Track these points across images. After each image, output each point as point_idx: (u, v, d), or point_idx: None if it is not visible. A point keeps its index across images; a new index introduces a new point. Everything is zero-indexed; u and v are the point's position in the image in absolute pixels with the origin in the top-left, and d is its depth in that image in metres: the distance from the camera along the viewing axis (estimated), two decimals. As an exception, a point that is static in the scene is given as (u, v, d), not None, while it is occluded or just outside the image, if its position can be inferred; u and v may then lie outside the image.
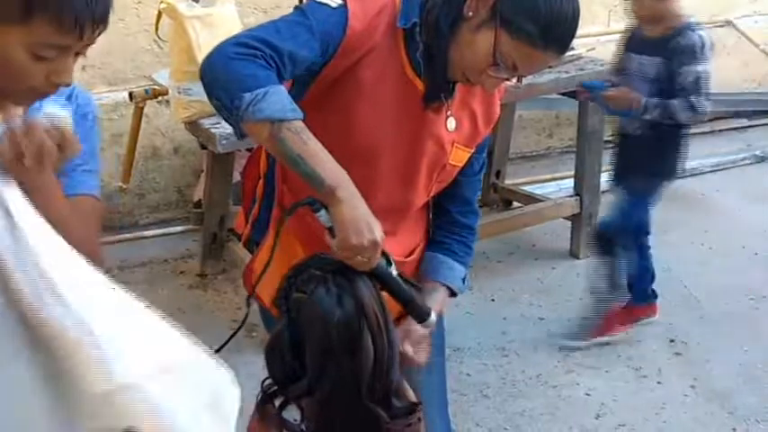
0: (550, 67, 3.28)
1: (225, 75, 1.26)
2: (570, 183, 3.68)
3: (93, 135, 1.37)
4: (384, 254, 1.33)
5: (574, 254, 3.59)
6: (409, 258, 1.69)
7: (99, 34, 1.12)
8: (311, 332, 1.23)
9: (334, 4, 1.39)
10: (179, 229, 3.82)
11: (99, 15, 1.10)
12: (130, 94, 3.13)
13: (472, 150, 1.63)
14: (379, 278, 1.31)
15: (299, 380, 1.25)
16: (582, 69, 3.30)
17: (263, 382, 1.30)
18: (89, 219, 1.30)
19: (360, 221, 1.26)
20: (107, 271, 3.75)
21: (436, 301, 1.66)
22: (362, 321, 1.23)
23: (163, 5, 2.81)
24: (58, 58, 1.10)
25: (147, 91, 3.11)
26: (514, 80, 1.47)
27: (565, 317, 3.13)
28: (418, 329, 1.55)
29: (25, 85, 1.11)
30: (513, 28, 1.35)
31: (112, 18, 1.13)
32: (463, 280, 1.75)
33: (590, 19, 4.71)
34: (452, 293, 1.73)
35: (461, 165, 1.63)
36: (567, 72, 3.27)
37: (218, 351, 1.46)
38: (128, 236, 3.74)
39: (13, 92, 1.14)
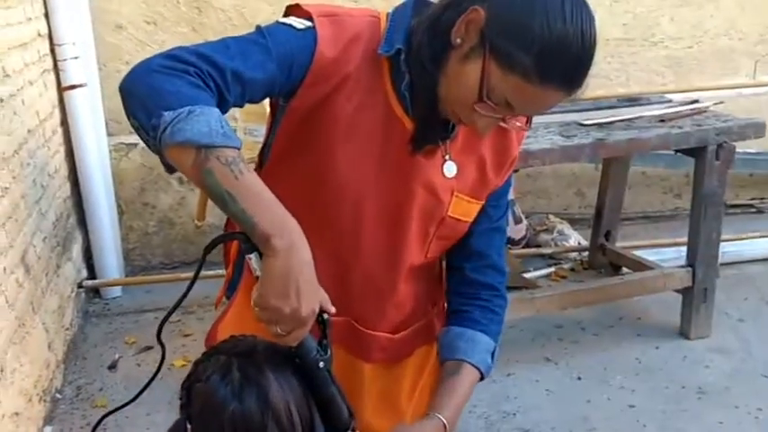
0: (619, 122, 2.93)
1: (146, 90, 1.04)
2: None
3: None
4: (322, 338, 1.09)
5: (684, 333, 3.15)
6: (399, 335, 1.44)
7: None
8: (206, 428, 1.01)
9: (300, 26, 1.20)
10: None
11: None
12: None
13: (481, 202, 1.38)
14: (300, 365, 1.06)
15: None
16: (699, 125, 2.90)
17: None
18: None
19: (289, 281, 1.00)
20: (185, 307, 3.60)
21: (446, 405, 1.34)
22: (267, 417, 1.00)
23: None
24: None
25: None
26: (519, 122, 1.20)
27: (660, 407, 2.72)
28: None
29: None
30: (502, 57, 1.09)
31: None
32: (492, 354, 1.43)
33: (732, 69, 4.25)
34: (480, 375, 1.41)
35: (469, 219, 1.37)
36: (680, 127, 2.88)
37: (128, 404, 1.24)
38: (210, 273, 3.66)
39: None
